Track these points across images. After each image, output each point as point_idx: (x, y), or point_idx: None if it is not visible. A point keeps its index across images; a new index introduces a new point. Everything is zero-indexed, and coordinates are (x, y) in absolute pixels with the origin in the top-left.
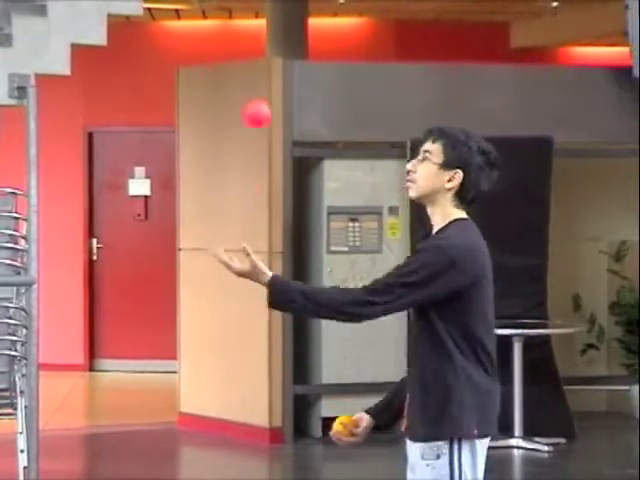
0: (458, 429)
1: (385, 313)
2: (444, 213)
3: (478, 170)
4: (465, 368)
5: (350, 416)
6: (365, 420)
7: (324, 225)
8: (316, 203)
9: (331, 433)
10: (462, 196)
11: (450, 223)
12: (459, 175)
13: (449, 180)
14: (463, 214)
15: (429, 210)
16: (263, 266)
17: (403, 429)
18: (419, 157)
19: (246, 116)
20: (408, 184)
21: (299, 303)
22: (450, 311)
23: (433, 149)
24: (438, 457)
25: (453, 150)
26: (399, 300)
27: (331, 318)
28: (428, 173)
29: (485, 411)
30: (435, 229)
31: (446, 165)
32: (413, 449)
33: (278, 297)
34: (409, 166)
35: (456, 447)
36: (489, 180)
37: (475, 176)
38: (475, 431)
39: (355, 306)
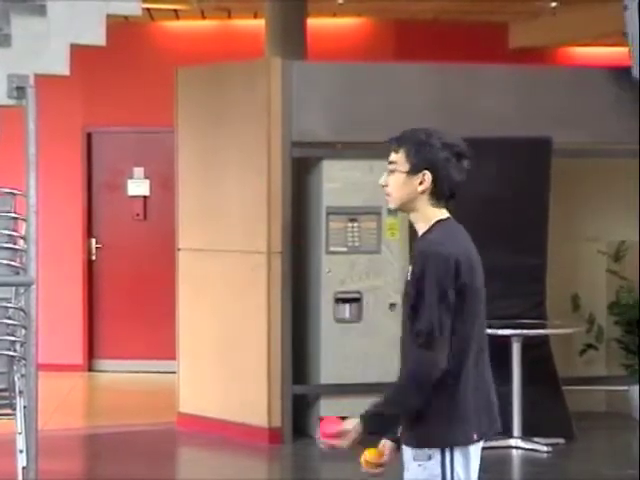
0: (451, 440)
1: (447, 345)
2: (426, 217)
3: (445, 164)
4: (454, 370)
5: (373, 449)
6: (388, 447)
7: (323, 225)
8: (315, 203)
9: (362, 469)
10: (438, 194)
11: (433, 226)
12: (428, 176)
13: (420, 183)
14: (444, 213)
15: (412, 217)
16: (347, 425)
17: (398, 433)
18: (388, 169)
19: (322, 433)
20: (386, 197)
21: (395, 417)
22: None
23: (397, 159)
24: (430, 458)
25: (416, 154)
26: (447, 329)
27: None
28: (398, 183)
29: (478, 414)
30: (420, 234)
31: (413, 170)
32: (406, 450)
33: (377, 430)
34: (381, 181)
35: (448, 449)
36: (459, 171)
37: (444, 171)
38: (475, 436)
39: (432, 367)
